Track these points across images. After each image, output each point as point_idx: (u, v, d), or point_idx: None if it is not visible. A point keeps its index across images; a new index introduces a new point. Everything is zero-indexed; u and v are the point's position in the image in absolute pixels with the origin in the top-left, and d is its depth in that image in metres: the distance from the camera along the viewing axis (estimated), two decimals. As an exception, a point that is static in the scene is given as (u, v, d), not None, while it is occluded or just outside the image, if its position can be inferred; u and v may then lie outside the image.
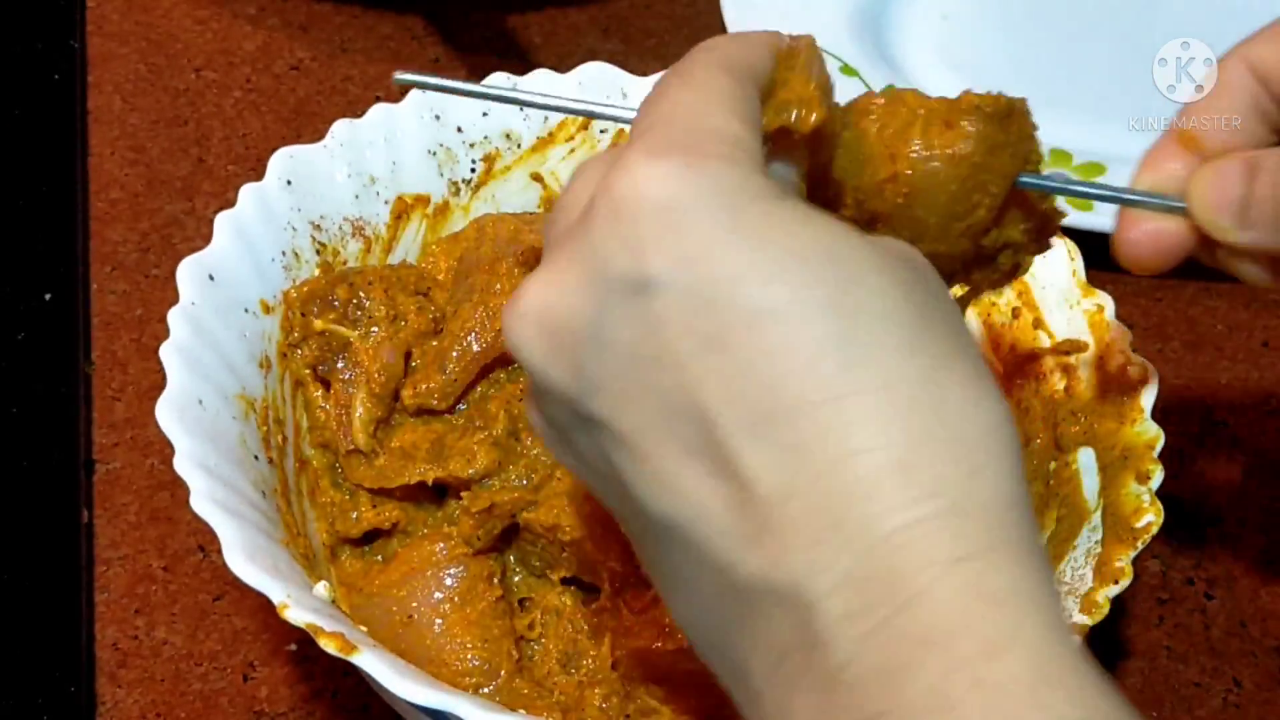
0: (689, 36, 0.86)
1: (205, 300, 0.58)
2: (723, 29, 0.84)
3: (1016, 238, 0.48)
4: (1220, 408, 0.73)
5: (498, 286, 0.60)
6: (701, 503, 0.37)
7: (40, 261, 0.75)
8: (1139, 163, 0.50)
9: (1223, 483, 0.70)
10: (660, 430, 0.37)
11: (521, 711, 0.51)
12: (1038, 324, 0.63)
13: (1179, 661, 0.64)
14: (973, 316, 0.65)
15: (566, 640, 0.58)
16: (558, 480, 0.57)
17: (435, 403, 0.60)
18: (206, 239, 0.60)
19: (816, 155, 0.44)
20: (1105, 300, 0.62)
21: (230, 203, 0.61)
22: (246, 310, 0.60)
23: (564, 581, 0.59)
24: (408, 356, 0.61)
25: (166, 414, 0.54)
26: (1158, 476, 0.56)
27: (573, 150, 0.68)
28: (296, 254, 0.62)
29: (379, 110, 0.65)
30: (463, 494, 0.58)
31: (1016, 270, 0.49)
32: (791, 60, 0.43)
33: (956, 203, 0.46)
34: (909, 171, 0.46)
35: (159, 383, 0.55)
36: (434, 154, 0.66)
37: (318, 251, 0.63)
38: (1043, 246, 0.49)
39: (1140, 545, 0.54)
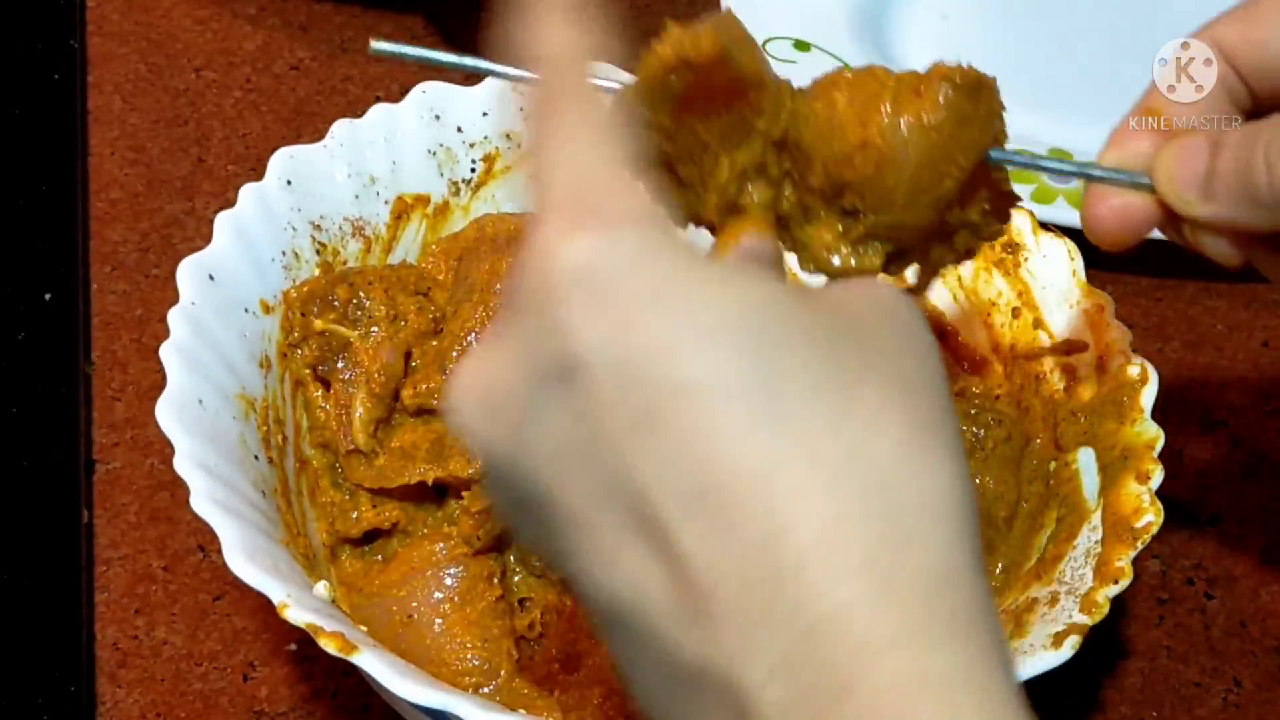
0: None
1: (205, 300, 0.58)
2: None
3: (976, 218, 0.49)
4: (1220, 408, 0.73)
5: (498, 286, 0.61)
6: (643, 582, 0.36)
7: (40, 261, 0.75)
8: (1106, 140, 0.51)
9: (1223, 483, 0.70)
10: (601, 510, 0.36)
11: (521, 711, 0.51)
12: (1038, 324, 0.63)
13: (1179, 661, 0.64)
14: (973, 316, 0.65)
15: (566, 640, 0.58)
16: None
17: (435, 403, 0.60)
18: (206, 239, 0.60)
19: (743, 113, 0.45)
20: (1105, 300, 0.62)
21: (230, 203, 0.61)
22: (246, 310, 0.60)
23: (564, 581, 0.59)
24: (408, 356, 0.61)
25: (166, 414, 0.54)
26: (1158, 476, 0.56)
27: (573, 150, 0.68)
28: (296, 254, 0.62)
29: (379, 110, 0.65)
30: (463, 494, 0.58)
31: (969, 255, 0.50)
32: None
33: (925, 172, 0.47)
34: (879, 139, 0.46)
35: (159, 383, 0.55)
36: (434, 154, 0.66)
37: (318, 251, 0.63)
38: (996, 233, 0.50)
39: (1140, 545, 0.54)
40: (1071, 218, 0.63)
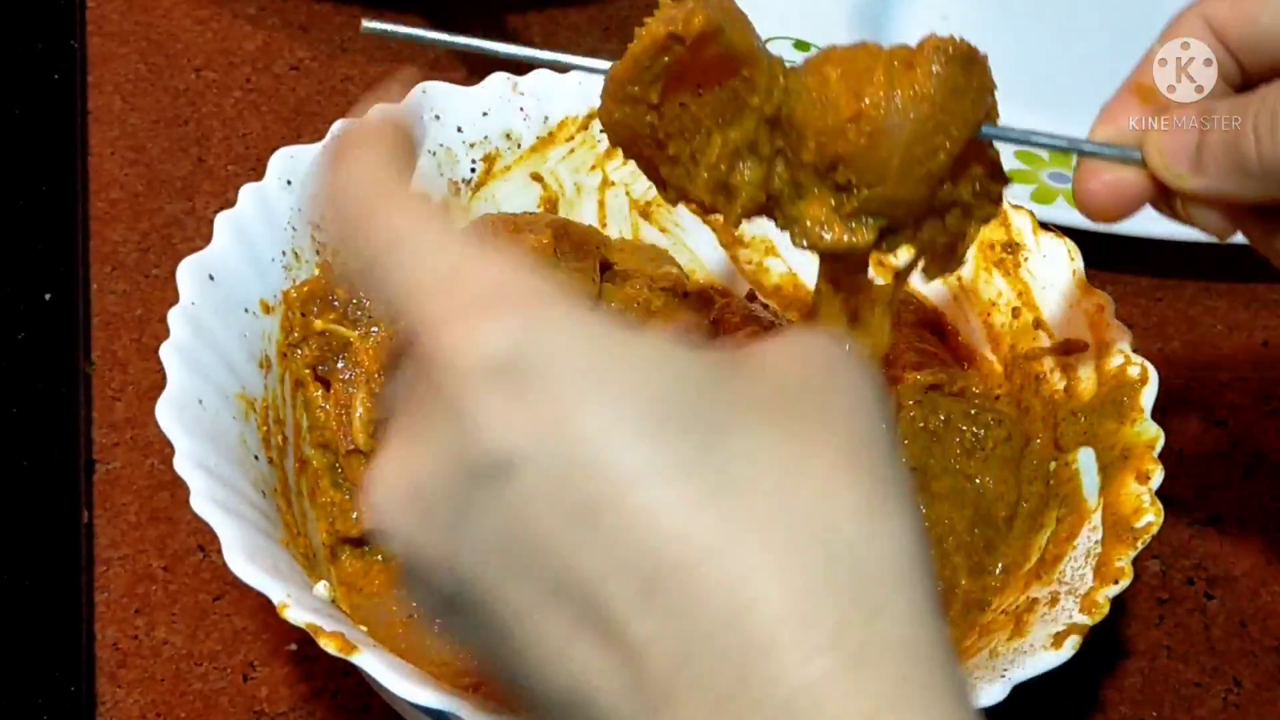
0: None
1: (205, 300, 0.58)
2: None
3: (968, 197, 0.49)
4: (1220, 408, 0.73)
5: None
6: (595, 677, 0.35)
7: (40, 261, 0.75)
8: (1098, 116, 0.52)
9: (1223, 483, 0.70)
10: (547, 607, 0.35)
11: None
12: (1038, 324, 0.63)
13: (1179, 661, 0.64)
14: (973, 316, 0.65)
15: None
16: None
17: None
18: (206, 239, 0.60)
19: (736, 89, 0.46)
20: (1105, 300, 0.62)
21: (230, 203, 0.61)
22: (246, 310, 0.60)
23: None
24: (408, 356, 0.61)
25: (166, 414, 0.54)
26: (1158, 476, 0.56)
27: (572, 150, 0.68)
28: (296, 254, 0.62)
29: (379, 110, 0.65)
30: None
31: (958, 246, 0.51)
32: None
33: (918, 143, 0.47)
34: (873, 110, 0.46)
35: (159, 383, 0.55)
36: (434, 154, 0.66)
37: (318, 251, 0.63)
38: (988, 215, 0.51)
39: (1140, 545, 0.54)
40: (1071, 218, 0.63)
